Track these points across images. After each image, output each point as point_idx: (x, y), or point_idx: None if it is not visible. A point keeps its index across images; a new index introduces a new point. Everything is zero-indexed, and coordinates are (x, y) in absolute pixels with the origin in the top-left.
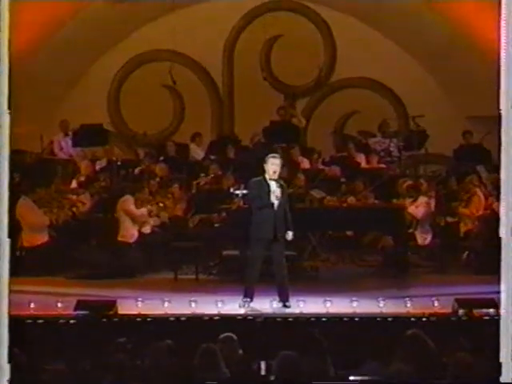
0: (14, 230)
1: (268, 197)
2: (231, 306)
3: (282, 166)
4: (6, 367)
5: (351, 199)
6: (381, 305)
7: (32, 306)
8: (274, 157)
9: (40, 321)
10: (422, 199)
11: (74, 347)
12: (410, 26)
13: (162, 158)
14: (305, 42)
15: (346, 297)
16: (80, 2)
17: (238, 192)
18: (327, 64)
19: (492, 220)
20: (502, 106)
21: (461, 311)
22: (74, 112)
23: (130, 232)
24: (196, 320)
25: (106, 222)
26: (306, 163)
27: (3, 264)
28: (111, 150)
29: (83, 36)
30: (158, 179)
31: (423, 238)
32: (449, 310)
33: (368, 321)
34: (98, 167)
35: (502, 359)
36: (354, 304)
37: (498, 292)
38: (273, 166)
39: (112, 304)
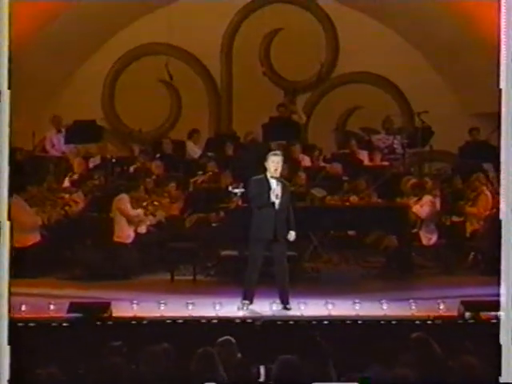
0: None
1: (268, 196)
2: (229, 308)
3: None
4: (6, 367)
5: (353, 198)
6: (384, 307)
7: (23, 308)
8: (274, 154)
9: (32, 324)
10: (427, 198)
11: (67, 351)
12: (415, 19)
13: (158, 156)
14: (306, 35)
15: (349, 299)
16: None
17: (236, 190)
18: (329, 58)
19: (499, 219)
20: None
21: (467, 314)
22: (66, 107)
23: (125, 232)
24: (193, 323)
25: (100, 222)
26: (306, 161)
27: (3, 265)
28: (105, 147)
29: (77, 30)
30: (153, 177)
31: (428, 238)
32: (455, 312)
33: (371, 324)
34: (91, 165)
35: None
36: (357, 306)
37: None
38: (273, 163)
39: (106, 306)
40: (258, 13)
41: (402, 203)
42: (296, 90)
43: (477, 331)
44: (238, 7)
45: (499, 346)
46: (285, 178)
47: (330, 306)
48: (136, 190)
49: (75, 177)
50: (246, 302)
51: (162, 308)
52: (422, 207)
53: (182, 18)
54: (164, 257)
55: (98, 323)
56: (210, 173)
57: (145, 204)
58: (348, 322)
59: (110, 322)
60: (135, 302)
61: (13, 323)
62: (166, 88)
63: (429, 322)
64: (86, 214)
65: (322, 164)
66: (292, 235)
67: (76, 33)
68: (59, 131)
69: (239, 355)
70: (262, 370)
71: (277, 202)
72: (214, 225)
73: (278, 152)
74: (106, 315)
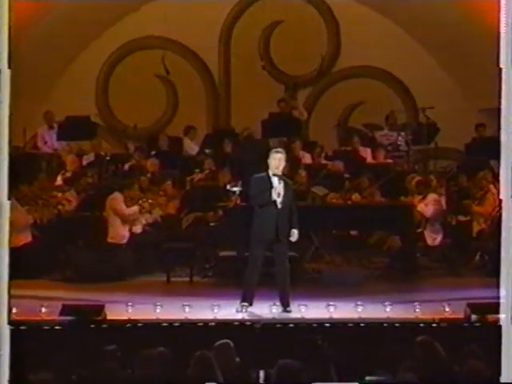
0: None
1: (270, 194)
2: (228, 310)
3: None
4: (6, 368)
5: (356, 196)
6: (388, 310)
7: (14, 311)
8: (276, 151)
9: (22, 327)
10: (432, 196)
11: (60, 356)
12: (420, 11)
13: (153, 153)
14: (307, 28)
15: (351, 301)
16: None
17: (235, 189)
18: (330, 52)
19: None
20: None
21: (474, 317)
22: (59, 103)
23: (120, 233)
24: (190, 326)
25: (94, 221)
26: (307, 158)
27: (3, 268)
28: (99, 144)
29: (70, 22)
30: (149, 175)
31: (433, 238)
32: (461, 315)
33: (374, 327)
34: (84, 162)
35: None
36: (359, 309)
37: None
38: (275, 160)
39: (100, 309)
40: (257, 4)
41: (406, 202)
42: (296, 85)
43: (483, 334)
44: None
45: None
46: (285, 176)
47: (331, 309)
48: (130, 188)
49: (68, 175)
50: (245, 304)
51: (158, 310)
52: (427, 206)
53: (178, 10)
54: (160, 257)
55: (92, 326)
56: (208, 170)
57: (140, 202)
58: (350, 325)
59: (104, 325)
60: (130, 304)
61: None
62: (163, 83)
63: (434, 325)
64: (79, 214)
65: (324, 161)
66: (295, 234)
67: (69, 25)
68: (51, 127)
69: (238, 359)
70: (262, 374)
71: (278, 200)
72: (211, 224)
73: (280, 149)
74: (99, 318)
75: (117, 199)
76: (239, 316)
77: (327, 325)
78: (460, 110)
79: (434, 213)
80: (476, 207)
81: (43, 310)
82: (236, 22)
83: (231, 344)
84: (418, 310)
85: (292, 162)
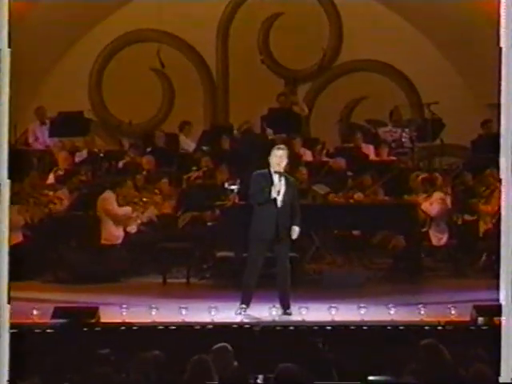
0: None
1: (269, 191)
2: (226, 313)
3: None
4: (6, 369)
5: (358, 195)
6: (391, 312)
7: None
8: (278, 148)
9: (13, 330)
10: (437, 195)
11: (52, 360)
12: (424, 4)
13: (149, 150)
14: (307, 20)
15: (353, 303)
16: None
17: (233, 187)
18: (332, 45)
19: None
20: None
21: (480, 319)
22: (51, 98)
23: (113, 234)
24: (187, 329)
25: (87, 221)
26: (308, 155)
27: (2, 269)
28: (92, 141)
29: (62, 14)
30: (144, 173)
31: (438, 237)
32: (467, 317)
33: (377, 330)
34: (77, 159)
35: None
36: (362, 311)
37: None
38: (276, 157)
39: (94, 311)
40: None
41: (411, 200)
42: (297, 80)
43: (490, 337)
44: None
45: None
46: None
47: (333, 311)
48: (123, 186)
49: (60, 172)
50: (244, 306)
51: (154, 313)
52: (432, 205)
53: (174, 2)
54: (156, 258)
55: (85, 329)
56: (205, 168)
57: (136, 200)
58: (352, 327)
59: (97, 328)
60: (125, 306)
61: None
62: (158, 77)
63: (439, 328)
64: (72, 213)
65: (325, 159)
66: (295, 231)
67: (61, 18)
68: (43, 123)
69: (236, 363)
70: (261, 378)
71: (278, 198)
72: (209, 224)
73: (281, 146)
74: (93, 321)
75: (108, 199)
76: (238, 319)
77: (329, 328)
78: (466, 106)
79: (439, 212)
80: (482, 206)
81: (35, 312)
82: (235, 13)
83: (229, 347)
84: (422, 312)
85: (292, 159)
